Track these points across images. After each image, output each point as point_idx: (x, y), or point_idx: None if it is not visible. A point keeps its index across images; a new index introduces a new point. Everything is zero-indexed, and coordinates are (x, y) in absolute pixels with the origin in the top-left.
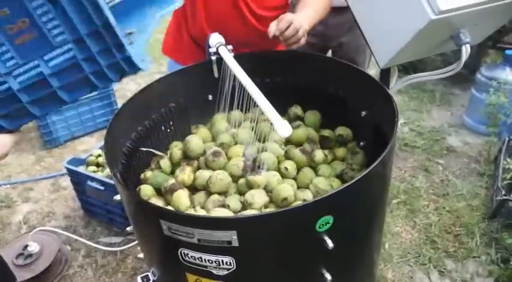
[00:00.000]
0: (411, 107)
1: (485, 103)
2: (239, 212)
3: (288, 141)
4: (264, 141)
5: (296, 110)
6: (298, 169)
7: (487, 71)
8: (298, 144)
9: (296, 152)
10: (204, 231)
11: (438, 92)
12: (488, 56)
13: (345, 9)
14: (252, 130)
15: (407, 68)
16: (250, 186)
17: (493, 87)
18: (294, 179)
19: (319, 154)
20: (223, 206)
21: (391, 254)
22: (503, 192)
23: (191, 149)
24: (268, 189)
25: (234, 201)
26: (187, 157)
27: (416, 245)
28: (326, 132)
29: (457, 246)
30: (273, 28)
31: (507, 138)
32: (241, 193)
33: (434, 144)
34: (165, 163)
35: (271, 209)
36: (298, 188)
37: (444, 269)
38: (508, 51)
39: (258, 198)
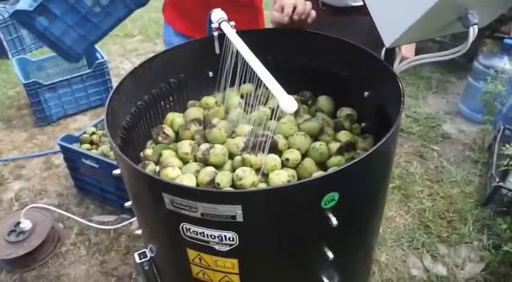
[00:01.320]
0: (407, 93)
1: (481, 91)
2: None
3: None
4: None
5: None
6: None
7: (484, 60)
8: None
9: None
10: (208, 205)
11: (434, 79)
12: (485, 45)
13: None
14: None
15: None
16: (244, 164)
17: (490, 76)
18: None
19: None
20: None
21: (385, 238)
22: (497, 180)
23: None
24: (265, 173)
25: (225, 175)
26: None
27: (410, 229)
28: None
29: (450, 231)
30: (278, 17)
31: (502, 127)
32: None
33: (429, 131)
34: (169, 130)
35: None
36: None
37: (437, 253)
38: (506, 40)
39: (249, 175)
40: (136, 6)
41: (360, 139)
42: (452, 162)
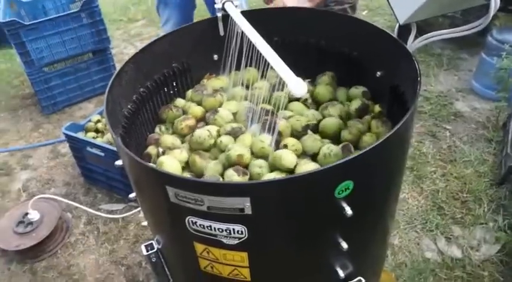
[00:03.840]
0: None
1: (495, 67)
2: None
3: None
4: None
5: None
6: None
7: (498, 34)
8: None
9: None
10: (215, 198)
11: (445, 56)
12: (498, 19)
13: None
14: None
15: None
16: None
17: (505, 51)
18: None
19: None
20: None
21: (397, 220)
22: None
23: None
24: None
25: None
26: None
27: (423, 211)
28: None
29: (464, 212)
30: None
31: None
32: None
33: (441, 110)
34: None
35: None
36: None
37: (451, 235)
38: None
39: (238, 147)
40: None
41: (379, 123)
42: (466, 141)
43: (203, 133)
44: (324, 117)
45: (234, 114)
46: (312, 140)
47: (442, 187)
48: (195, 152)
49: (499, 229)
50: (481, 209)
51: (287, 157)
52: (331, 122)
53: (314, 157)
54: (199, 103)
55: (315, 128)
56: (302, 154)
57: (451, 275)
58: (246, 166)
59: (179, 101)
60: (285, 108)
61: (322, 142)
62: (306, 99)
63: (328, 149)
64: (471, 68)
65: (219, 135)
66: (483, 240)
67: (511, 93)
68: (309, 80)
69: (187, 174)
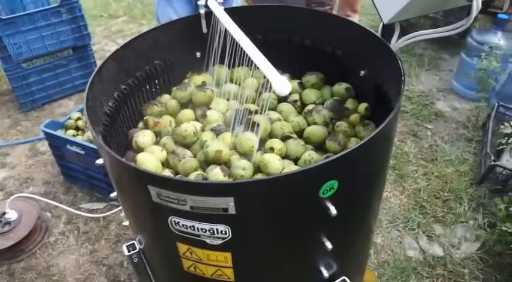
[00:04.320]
0: None
1: (475, 68)
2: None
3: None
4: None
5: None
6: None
7: (478, 35)
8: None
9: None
10: (198, 197)
11: (427, 56)
12: (477, 21)
13: None
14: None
15: None
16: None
17: (484, 52)
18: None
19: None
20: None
21: (380, 219)
22: (492, 158)
23: None
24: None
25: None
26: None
27: (405, 210)
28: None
29: (445, 211)
30: None
31: (496, 104)
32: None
33: (423, 109)
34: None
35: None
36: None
37: (433, 233)
38: (500, 15)
39: (216, 143)
40: None
41: (362, 128)
42: (446, 140)
43: (189, 128)
44: (308, 124)
45: (223, 114)
46: (295, 144)
47: (424, 186)
48: (171, 151)
49: (479, 227)
50: (462, 208)
51: (274, 165)
52: (316, 132)
53: (296, 161)
54: (182, 100)
55: (300, 134)
56: (285, 157)
57: (432, 273)
58: (225, 163)
59: (164, 98)
60: (275, 109)
61: (306, 148)
62: (296, 101)
63: (309, 156)
64: (452, 68)
65: (203, 131)
66: (464, 239)
67: (490, 94)
68: (298, 80)
69: (167, 172)
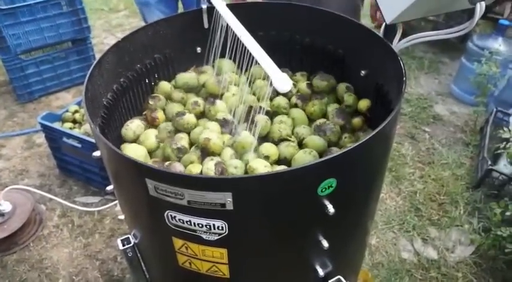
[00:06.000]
0: None
1: (475, 73)
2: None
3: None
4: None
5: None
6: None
7: (479, 40)
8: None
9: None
10: (196, 192)
11: (427, 59)
12: (478, 26)
13: None
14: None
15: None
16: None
17: (484, 57)
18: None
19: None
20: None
21: (376, 221)
22: (489, 162)
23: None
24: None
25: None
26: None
27: (400, 212)
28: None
29: (441, 214)
30: None
31: (494, 109)
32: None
33: (421, 112)
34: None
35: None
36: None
37: (428, 236)
38: (501, 21)
39: (208, 132)
40: None
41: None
42: (444, 144)
43: (191, 121)
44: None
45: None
46: (285, 145)
47: (420, 189)
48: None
49: (473, 231)
50: (457, 212)
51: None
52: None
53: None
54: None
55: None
56: (281, 161)
57: (426, 275)
58: (215, 153)
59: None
60: (287, 114)
61: (298, 150)
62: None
63: (305, 152)
64: (451, 72)
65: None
66: (458, 242)
67: (488, 99)
68: (308, 82)
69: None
